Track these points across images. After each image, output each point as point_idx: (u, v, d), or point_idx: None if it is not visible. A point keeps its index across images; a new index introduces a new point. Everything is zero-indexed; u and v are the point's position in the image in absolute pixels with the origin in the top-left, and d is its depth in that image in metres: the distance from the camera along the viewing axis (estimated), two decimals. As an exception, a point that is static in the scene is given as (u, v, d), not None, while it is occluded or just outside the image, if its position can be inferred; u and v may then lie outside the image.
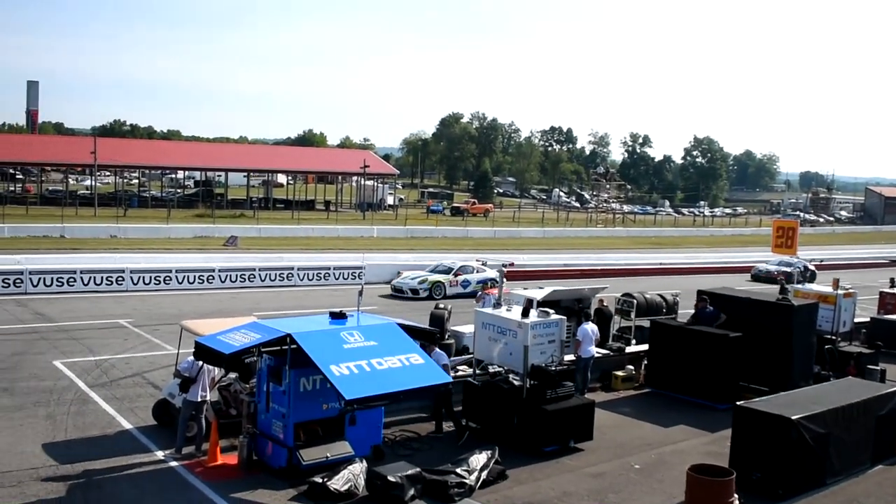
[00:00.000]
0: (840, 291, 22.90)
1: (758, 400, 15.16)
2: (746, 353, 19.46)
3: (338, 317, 14.55)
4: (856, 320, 24.67)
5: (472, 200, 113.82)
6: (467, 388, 16.89)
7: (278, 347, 13.89)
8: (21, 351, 21.37)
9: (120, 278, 31.99)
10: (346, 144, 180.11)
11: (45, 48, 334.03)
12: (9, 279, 29.91)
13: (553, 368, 16.09)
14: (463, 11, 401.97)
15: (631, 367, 21.25)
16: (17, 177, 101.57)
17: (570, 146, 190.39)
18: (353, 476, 12.84)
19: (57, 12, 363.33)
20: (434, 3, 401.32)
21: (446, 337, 20.35)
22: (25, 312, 26.86)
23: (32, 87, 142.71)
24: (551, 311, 17.19)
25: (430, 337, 16.69)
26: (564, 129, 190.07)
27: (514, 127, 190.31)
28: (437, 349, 16.78)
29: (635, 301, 23.38)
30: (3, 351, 21.21)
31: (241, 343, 13.50)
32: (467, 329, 20.33)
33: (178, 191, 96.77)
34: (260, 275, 35.28)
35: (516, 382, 16.29)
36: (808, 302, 21.55)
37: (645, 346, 21.64)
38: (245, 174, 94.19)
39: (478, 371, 17.53)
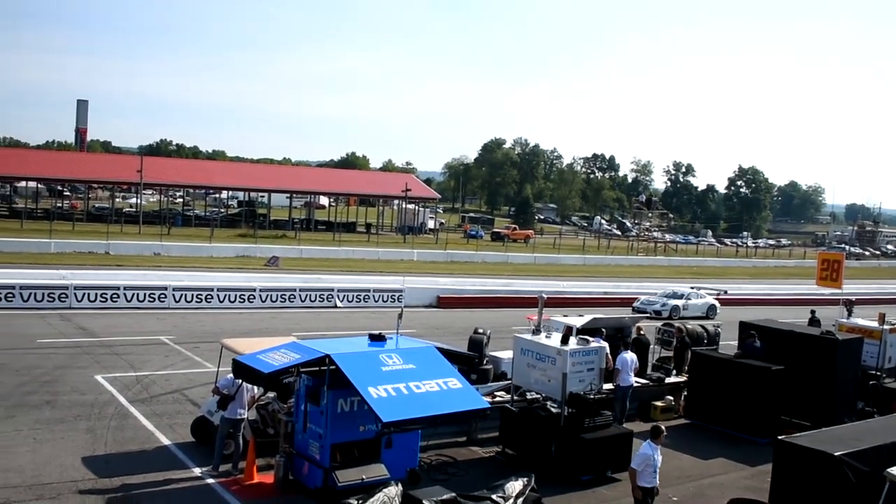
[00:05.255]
0: (886, 327, 22.47)
1: (800, 435, 14.87)
2: (788, 386, 19.19)
3: (377, 339, 14.57)
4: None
5: (513, 226, 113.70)
6: (505, 414, 16.81)
7: (317, 368, 13.93)
8: (64, 364, 21.65)
9: (162, 295, 32.34)
10: (388, 168, 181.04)
11: (95, 68, 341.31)
12: (54, 294, 30.38)
13: (592, 397, 15.98)
14: (508, 40, 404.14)
15: (670, 397, 21.02)
16: (65, 193, 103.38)
17: (613, 174, 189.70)
18: (388, 499, 12.75)
19: (108, 34, 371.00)
20: (479, 32, 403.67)
21: (484, 362, 20.29)
22: (69, 327, 27.24)
23: (82, 105, 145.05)
24: (591, 338, 17.09)
25: (469, 361, 16.67)
26: (607, 157, 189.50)
27: (556, 153, 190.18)
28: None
29: (675, 331, 23.17)
30: (46, 364, 21.50)
31: (281, 363, 13.55)
32: (506, 355, 20.26)
33: (222, 210, 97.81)
34: (300, 295, 35.46)
35: (554, 410, 16.19)
36: (852, 336, 21.22)
37: (684, 377, 21.43)
38: (288, 195, 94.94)
39: (515, 397, 17.45)
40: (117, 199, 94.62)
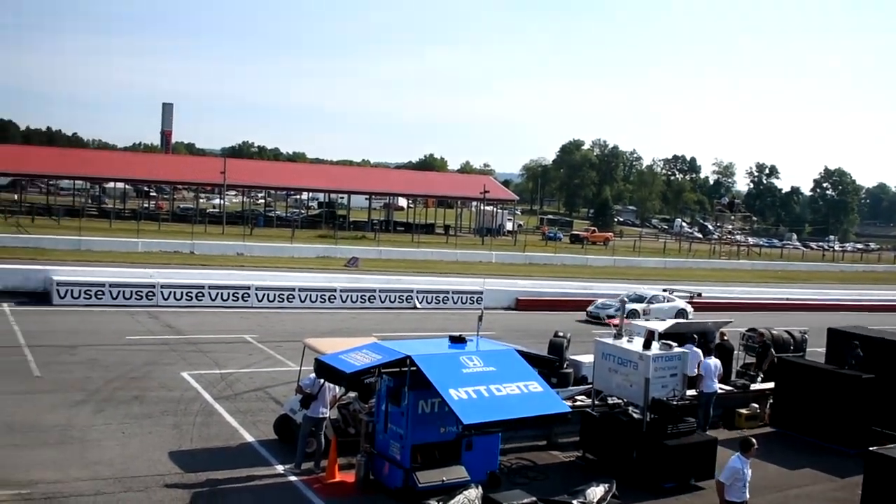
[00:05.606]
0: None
1: (893, 446, 14.41)
2: (880, 395, 18.58)
3: (457, 341, 14.59)
4: None
5: (592, 228, 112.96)
6: (585, 419, 16.66)
7: (398, 369, 13.99)
8: (152, 361, 22.19)
9: (245, 295, 32.94)
10: (466, 170, 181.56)
11: (180, 72, 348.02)
12: (142, 292, 31.19)
13: (674, 403, 15.73)
14: (586, 40, 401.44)
15: (755, 405, 20.57)
16: (151, 194, 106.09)
17: (693, 175, 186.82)
18: (468, 501, 12.74)
19: (192, 38, 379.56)
20: (556, 33, 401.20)
21: (565, 365, 20.15)
22: (156, 324, 27.92)
23: (167, 108, 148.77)
24: (674, 343, 16.82)
25: (549, 365, 16.55)
26: (687, 158, 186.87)
27: (635, 155, 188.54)
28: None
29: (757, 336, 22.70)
30: (135, 360, 22.07)
31: (362, 363, 13.65)
32: (586, 358, 20.09)
33: (303, 211, 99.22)
34: (380, 296, 35.75)
35: (636, 415, 15.97)
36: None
37: (770, 384, 20.95)
38: (367, 197, 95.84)
39: (596, 402, 17.28)
40: (201, 200, 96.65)
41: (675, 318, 34.88)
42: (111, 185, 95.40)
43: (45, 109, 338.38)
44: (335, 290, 34.95)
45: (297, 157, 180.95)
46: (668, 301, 36.86)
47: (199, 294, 32.16)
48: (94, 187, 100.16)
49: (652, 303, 36.26)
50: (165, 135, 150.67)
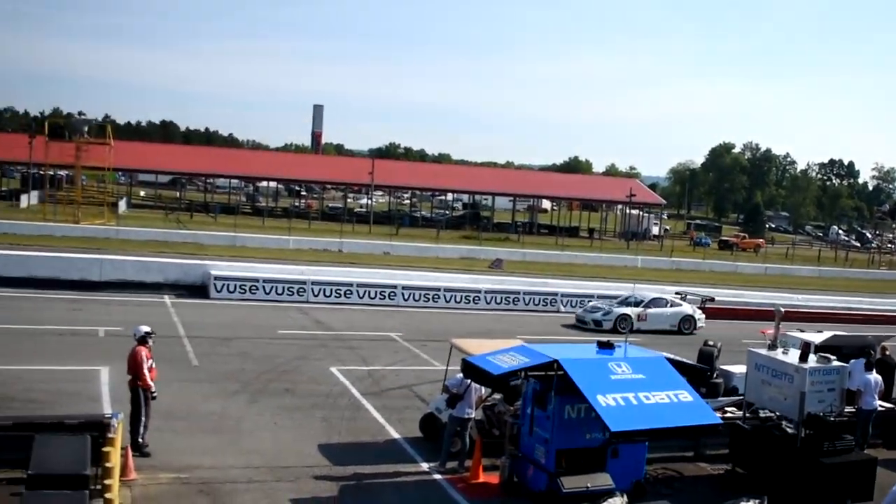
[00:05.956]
0: None
1: None
2: None
3: (605, 346, 14.38)
4: None
5: (742, 234, 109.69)
6: (735, 431, 16.16)
7: (544, 373, 13.93)
8: (302, 355, 22.85)
9: (392, 293, 33.54)
10: (611, 172, 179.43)
11: (330, 74, 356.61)
12: (293, 288, 32.23)
13: (831, 418, 15.07)
14: (736, 41, 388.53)
15: (919, 424, 19.47)
16: (302, 193, 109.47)
17: (851, 181, 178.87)
18: (612, 509, 12.62)
19: (342, 40, 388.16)
20: (705, 33, 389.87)
21: (715, 375, 19.64)
22: (306, 320, 28.75)
23: (318, 110, 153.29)
24: (832, 356, 16.13)
25: (700, 374, 16.16)
26: (845, 163, 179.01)
27: (789, 159, 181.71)
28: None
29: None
30: (287, 354, 22.79)
31: (509, 365, 13.65)
32: (737, 369, 19.52)
33: (447, 212, 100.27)
34: (524, 298, 35.73)
35: (789, 430, 15.38)
36: None
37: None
38: (511, 199, 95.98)
39: (747, 414, 16.75)
40: (349, 200, 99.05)
41: (679, 325, 32.60)
42: (264, 184, 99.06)
43: (203, 111, 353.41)
44: (480, 291, 35.17)
45: (442, 159, 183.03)
46: (672, 306, 33.24)
47: (348, 292, 32.96)
48: (248, 186, 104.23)
49: (650, 307, 32.49)
50: (316, 136, 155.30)
